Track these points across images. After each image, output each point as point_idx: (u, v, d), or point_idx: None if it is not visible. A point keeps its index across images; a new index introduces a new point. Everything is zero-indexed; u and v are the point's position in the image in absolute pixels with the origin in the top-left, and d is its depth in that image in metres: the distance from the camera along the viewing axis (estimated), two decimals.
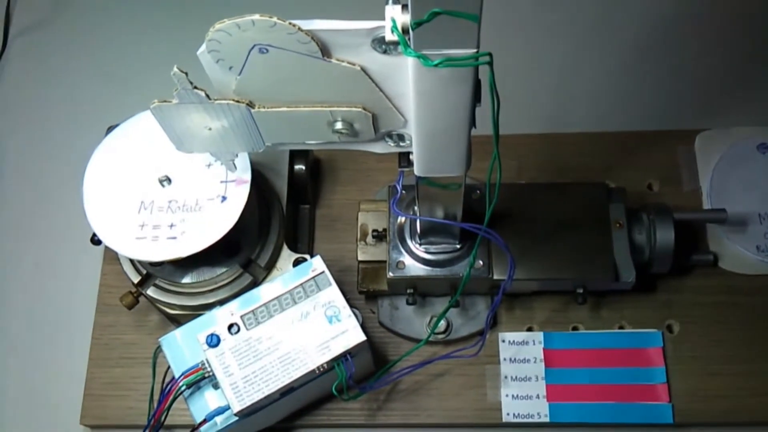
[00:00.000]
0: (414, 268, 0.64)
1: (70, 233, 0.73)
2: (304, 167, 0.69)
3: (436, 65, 0.39)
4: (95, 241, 0.64)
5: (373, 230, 0.66)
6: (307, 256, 0.64)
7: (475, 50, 0.39)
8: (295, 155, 0.69)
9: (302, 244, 0.70)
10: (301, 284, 0.59)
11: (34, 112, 0.82)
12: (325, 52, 0.43)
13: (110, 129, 0.63)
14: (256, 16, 0.40)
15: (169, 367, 0.59)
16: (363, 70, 0.44)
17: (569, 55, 0.80)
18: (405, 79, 0.43)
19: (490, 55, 0.39)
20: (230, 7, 0.42)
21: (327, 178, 0.73)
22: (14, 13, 0.87)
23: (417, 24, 0.38)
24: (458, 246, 0.63)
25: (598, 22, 0.82)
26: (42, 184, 0.78)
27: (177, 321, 0.65)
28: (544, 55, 0.81)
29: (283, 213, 0.66)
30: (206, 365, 0.57)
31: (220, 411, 0.57)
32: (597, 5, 0.82)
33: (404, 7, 0.38)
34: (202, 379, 0.57)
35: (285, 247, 0.65)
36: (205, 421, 0.57)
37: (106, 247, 0.69)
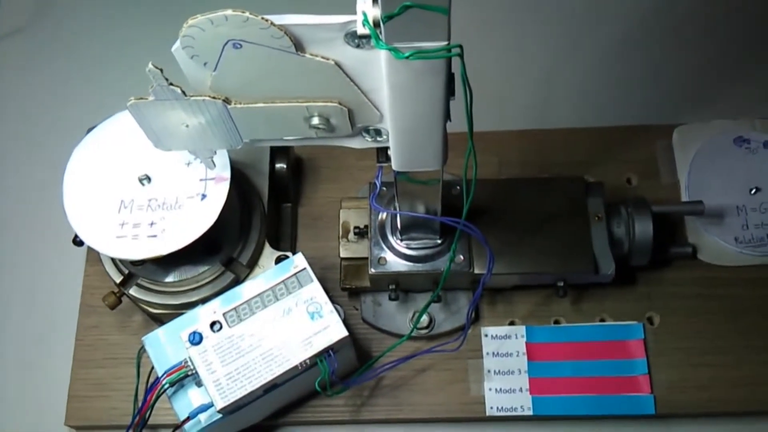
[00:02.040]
0: (395, 263, 0.64)
1: (52, 235, 0.74)
2: (285, 166, 0.69)
3: (407, 57, 0.39)
4: (77, 242, 0.64)
5: (355, 227, 0.66)
6: (289, 254, 0.64)
7: (445, 42, 0.39)
8: (276, 154, 0.69)
9: (285, 242, 0.70)
10: (283, 281, 0.59)
11: (14, 115, 0.82)
12: (298, 46, 0.43)
13: (90, 130, 0.64)
14: (229, 12, 0.41)
15: (153, 367, 0.59)
16: (337, 64, 0.44)
17: (549, 51, 0.81)
18: (379, 73, 0.44)
19: (460, 47, 0.39)
20: (207, 5, 0.42)
21: (308, 177, 0.74)
22: None
23: (388, 17, 0.38)
24: (439, 241, 0.64)
25: (577, 18, 0.82)
26: (23, 186, 0.78)
27: (160, 320, 0.65)
28: (523, 51, 0.81)
29: (264, 211, 0.66)
30: (189, 363, 0.57)
31: (204, 408, 0.57)
32: (576, 2, 0.83)
33: (375, 0, 0.39)
34: (185, 377, 0.57)
35: (267, 245, 0.65)
36: (188, 418, 0.58)
37: (89, 248, 0.69)
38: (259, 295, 0.58)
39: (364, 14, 0.39)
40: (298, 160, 0.74)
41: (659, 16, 0.81)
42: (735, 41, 0.80)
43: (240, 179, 0.66)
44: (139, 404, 0.58)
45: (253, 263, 0.65)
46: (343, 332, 0.58)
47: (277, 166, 0.69)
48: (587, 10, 0.82)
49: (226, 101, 0.48)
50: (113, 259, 0.64)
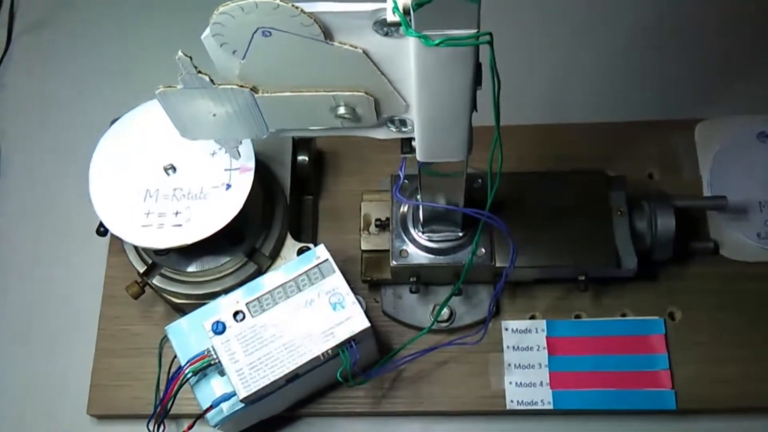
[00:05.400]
0: (417, 256, 0.64)
1: (76, 225, 0.74)
2: (307, 158, 0.69)
3: (437, 45, 0.39)
4: (101, 232, 0.65)
5: (376, 219, 0.67)
6: (311, 245, 0.64)
7: (475, 30, 0.40)
8: (298, 146, 0.69)
9: (306, 234, 0.71)
10: (305, 272, 0.59)
11: (39, 107, 0.83)
12: (327, 35, 0.43)
13: (114, 121, 0.64)
14: None
15: (175, 357, 0.59)
16: (365, 53, 0.44)
17: (569, 45, 0.81)
18: (406, 62, 0.44)
19: (490, 34, 0.40)
20: None
21: (330, 169, 0.74)
22: (18, 10, 0.88)
23: (418, 5, 0.38)
24: (461, 234, 0.64)
25: (598, 12, 0.82)
26: (48, 178, 0.79)
27: (182, 310, 0.65)
28: (543, 46, 0.81)
29: (286, 203, 0.67)
30: (212, 352, 0.57)
31: (226, 397, 0.58)
32: None
33: None
34: (208, 366, 0.58)
35: (289, 236, 0.66)
36: (211, 407, 0.58)
37: (112, 238, 0.70)
38: (281, 285, 0.59)
39: (395, 2, 0.39)
40: (320, 152, 0.74)
41: (683, 9, 0.81)
42: (758, 35, 0.79)
43: (263, 171, 0.66)
44: (161, 393, 0.59)
45: (275, 254, 0.65)
46: (366, 323, 0.58)
47: (299, 158, 0.69)
48: (607, 4, 0.82)
49: (254, 90, 0.48)
50: (137, 249, 0.65)
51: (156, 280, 0.64)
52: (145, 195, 0.60)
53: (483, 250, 0.63)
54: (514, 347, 0.66)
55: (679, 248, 0.66)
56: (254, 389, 0.56)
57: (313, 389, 0.65)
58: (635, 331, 0.66)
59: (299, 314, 0.58)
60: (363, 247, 0.67)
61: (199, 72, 0.47)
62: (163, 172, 0.61)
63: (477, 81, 0.45)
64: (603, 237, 0.64)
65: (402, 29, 0.40)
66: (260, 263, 0.64)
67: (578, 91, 0.79)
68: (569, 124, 0.75)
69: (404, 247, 0.64)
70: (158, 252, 0.63)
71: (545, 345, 0.66)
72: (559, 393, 0.64)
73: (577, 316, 0.67)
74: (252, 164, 0.60)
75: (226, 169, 0.60)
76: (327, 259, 0.60)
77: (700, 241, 0.68)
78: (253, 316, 0.58)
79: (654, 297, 0.67)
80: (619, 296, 0.68)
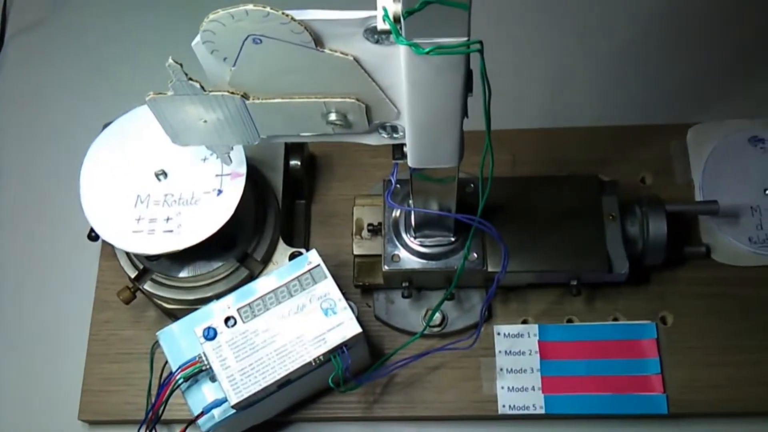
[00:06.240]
0: (409, 261, 0.64)
1: (67, 230, 0.74)
2: (299, 163, 0.69)
3: (427, 53, 0.39)
4: (92, 237, 0.65)
5: (369, 224, 0.66)
6: (303, 250, 0.64)
7: (465, 38, 0.40)
8: (291, 151, 0.69)
9: (298, 239, 0.70)
10: (297, 277, 0.59)
11: (31, 111, 0.83)
12: (318, 42, 0.43)
13: (106, 126, 0.64)
14: (250, 6, 0.41)
15: (166, 362, 0.59)
16: (356, 60, 0.44)
17: (563, 50, 0.81)
18: (397, 69, 0.44)
19: (480, 43, 0.40)
20: (225, 0, 0.43)
21: (322, 174, 0.74)
22: (11, 13, 0.88)
23: (408, 13, 0.38)
24: (453, 239, 0.64)
25: (591, 17, 0.82)
26: (39, 182, 0.78)
27: (174, 315, 0.65)
28: (537, 51, 0.81)
29: (279, 208, 0.67)
30: (203, 358, 0.57)
31: (218, 403, 0.58)
32: (590, 1, 0.83)
33: None
34: (199, 372, 0.58)
35: (281, 241, 0.66)
36: (202, 413, 0.58)
37: (103, 244, 0.70)
38: (273, 291, 0.59)
39: (385, 10, 0.39)
40: (312, 157, 0.74)
41: (674, 15, 0.81)
42: (750, 40, 0.79)
43: (255, 176, 0.66)
44: (153, 399, 0.59)
45: (267, 259, 0.65)
46: (357, 329, 0.58)
47: (292, 163, 0.69)
48: (601, 8, 0.82)
49: (245, 96, 0.48)
50: (128, 254, 0.65)
51: (147, 286, 0.64)
52: (136, 201, 0.60)
53: (475, 254, 0.63)
54: (506, 352, 0.66)
55: (671, 253, 0.66)
56: (245, 395, 0.56)
57: (305, 395, 0.65)
58: (627, 335, 0.66)
59: (291, 320, 0.58)
60: (355, 252, 0.66)
61: (190, 79, 0.47)
62: (155, 178, 0.61)
63: (468, 88, 0.45)
64: (595, 242, 0.64)
65: (392, 37, 0.40)
66: (252, 268, 0.64)
67: (571, 95, 0.79)
68: (562, 129, 0.75)
69: (396, 252, 0.64)
70: (149, 257, 0.63)
71: (537, 349, 0.66)
72: (551, 397, 0.64)
73: (569, 321, 0.67)
74: (243, 170, 0.60)
75: (217, 175, 0.60)
76: (319, 265, 0.60)
77: (692, 245, 0.68)
78: (244, 322, 0.58)
79: (646, 301, 0.67)
80: (611, 300, 0.68)
